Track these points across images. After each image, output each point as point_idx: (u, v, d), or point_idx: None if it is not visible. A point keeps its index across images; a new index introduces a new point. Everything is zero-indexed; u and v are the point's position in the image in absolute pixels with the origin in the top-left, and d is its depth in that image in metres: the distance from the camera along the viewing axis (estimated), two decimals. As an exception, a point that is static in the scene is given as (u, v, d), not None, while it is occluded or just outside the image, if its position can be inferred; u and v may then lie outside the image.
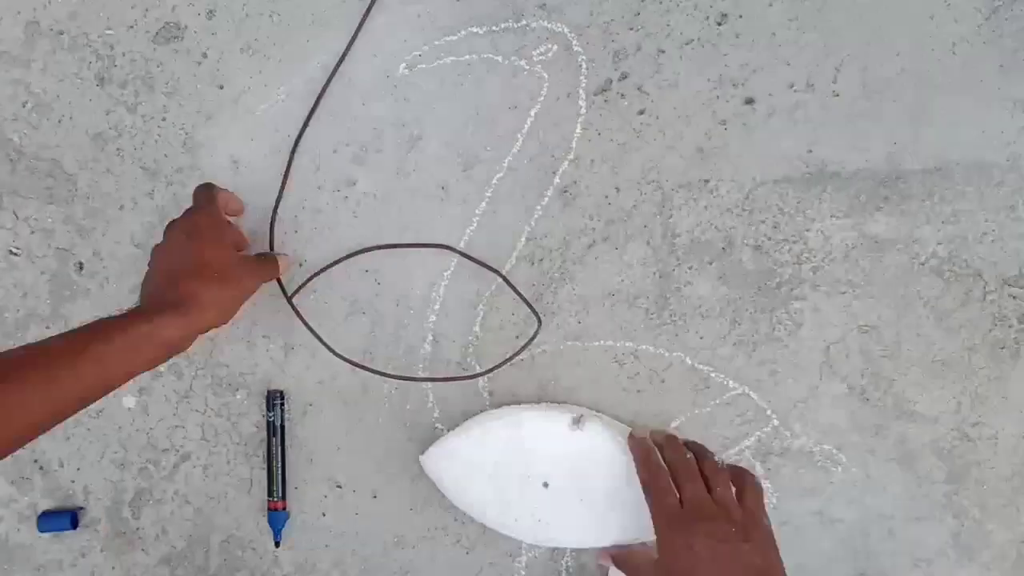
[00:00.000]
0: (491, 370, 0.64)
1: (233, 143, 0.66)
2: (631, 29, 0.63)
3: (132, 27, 0.66)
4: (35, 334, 0.68)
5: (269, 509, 0.66)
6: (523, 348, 0.64)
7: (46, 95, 0.66)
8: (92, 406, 0.67)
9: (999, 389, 0.62)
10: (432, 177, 0.65)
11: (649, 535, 0.57)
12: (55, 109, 0.66)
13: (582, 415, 0.61)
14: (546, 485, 0.62)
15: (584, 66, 0.63)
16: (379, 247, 0.65)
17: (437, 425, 0.66)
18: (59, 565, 0.69)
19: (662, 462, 0.57)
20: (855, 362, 0.63)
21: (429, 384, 0.66)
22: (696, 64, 0.62)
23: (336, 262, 0.65)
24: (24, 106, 0.67)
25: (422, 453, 0.63)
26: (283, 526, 0.67)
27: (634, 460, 0.59)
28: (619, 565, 0.59)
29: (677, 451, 0.58)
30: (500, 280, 0.64)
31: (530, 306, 0.62)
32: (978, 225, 0.61)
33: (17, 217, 0.67)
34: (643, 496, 0.56)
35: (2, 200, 0.67)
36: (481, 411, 0.64)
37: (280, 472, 0.66)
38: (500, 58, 0.64)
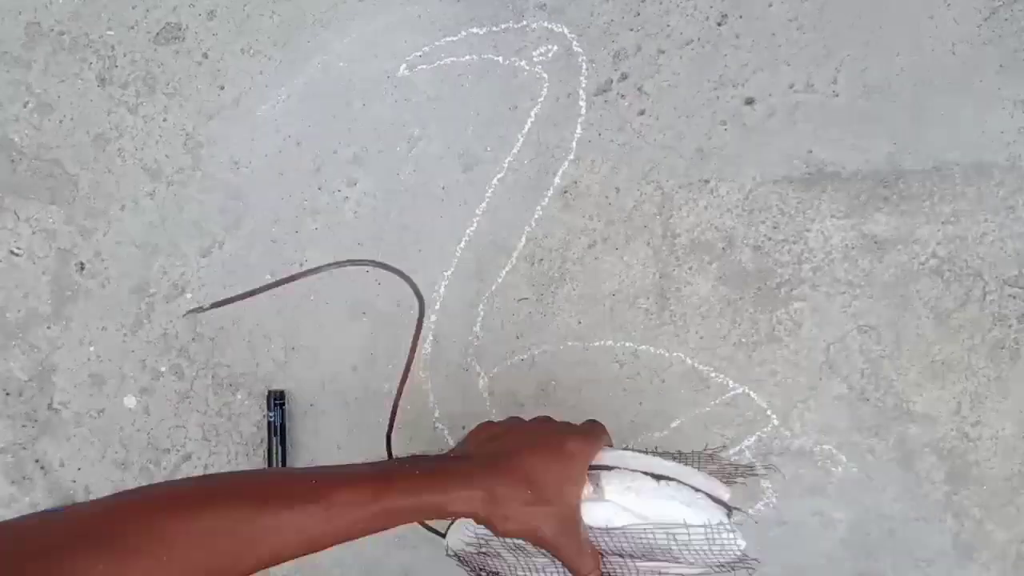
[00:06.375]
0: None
1: (234, 143, 0.66)
2: (631, 29, 0.63)
3: (133, 28, 0.66)
4: (36, 334, 0.68)
5: (270, 509, 0.66)
6: (415, 337, 0.61)
7: (47, 95, 0.67)
8: (93, 405, 0.68)
9: (999, 389, 0.62)
10: (432, 177, 0.65)
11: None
12: (56, 109, 0.67)
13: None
14: None
15: (584, 66, 0.63)
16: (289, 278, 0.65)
17: (437, 425, 0.66)
18: (60, 565, 0.69)
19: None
20: (855, 362, 0.63)
21: (430, 384, 0.66)
22: (696, 64, 0.62)
23: (244, 295, 0.64)
24: (25, 107, 0.67)
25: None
26: (283, 526, 0.67)
27: None
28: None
29: None
30: (499, 281, 0.64)
31: (414, 288, 0.58)
32: (978, 225, 0.61)
33: (18, 217, 0.67)
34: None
35: (3, 200, 0.67)
36: (482, 412, 0.63)
37: (280, 472, 0.66)
38: (500, 58, 0.64)
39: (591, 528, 0.49)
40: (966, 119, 0.61)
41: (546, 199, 0.64)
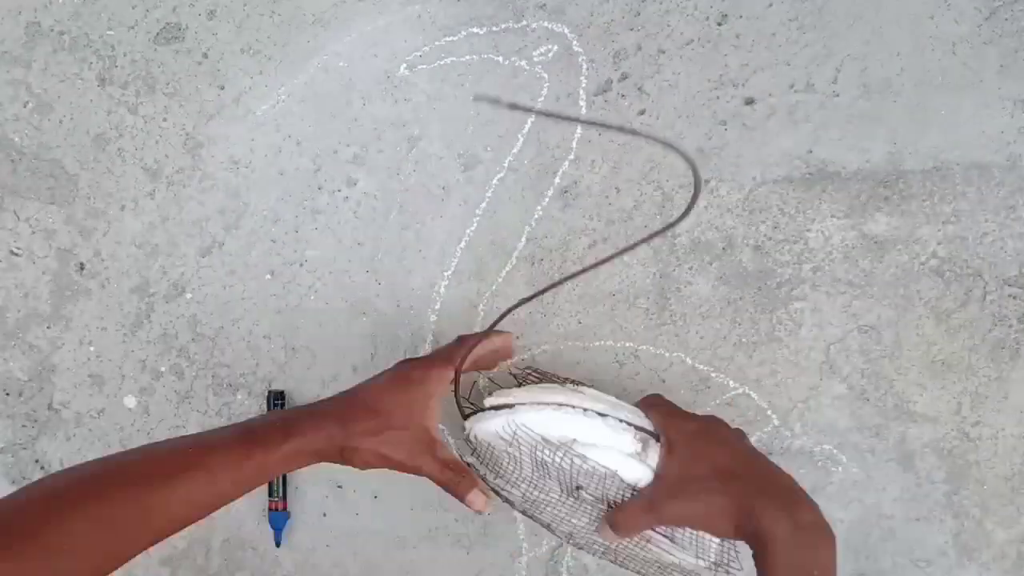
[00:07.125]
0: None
1: (234, 143, 0.66)
2: (631, 29, 0.63)
3: (133, 28, 0.66)
4: (36, 334, 0.68)
5: (270, 509, 0.66)
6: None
7: (47, 95, 0.67)
8: (93, 405, 0.68)
9: (999, 389, 0.62)
10: (432, 177, 0.65)
11: None
12: (56, 109, 0.67)
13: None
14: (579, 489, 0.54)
15: (584, 66, 0.63)
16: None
17: (439, 426, 0.66)
18: (60, 565, 0.69)
19: None
20: (855, 362, 0.63)
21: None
22: (696, 64, 0.62)
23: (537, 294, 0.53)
24: (25, 106, 0.67)
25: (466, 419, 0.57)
26: (284, 526, 0.67)
27: (648, 405, 0.56)
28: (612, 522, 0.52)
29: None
30: (499, 281, 0.64)
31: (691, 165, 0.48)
32: (978, 225, 0.61)
33: (18, 217, 0.67)
34: None
35: (3, 200, 0.67)
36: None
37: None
38: (500, 58, 0.64)
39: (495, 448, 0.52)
40: (966, 119, 0.61)
41: (546, 199, 0.64)
